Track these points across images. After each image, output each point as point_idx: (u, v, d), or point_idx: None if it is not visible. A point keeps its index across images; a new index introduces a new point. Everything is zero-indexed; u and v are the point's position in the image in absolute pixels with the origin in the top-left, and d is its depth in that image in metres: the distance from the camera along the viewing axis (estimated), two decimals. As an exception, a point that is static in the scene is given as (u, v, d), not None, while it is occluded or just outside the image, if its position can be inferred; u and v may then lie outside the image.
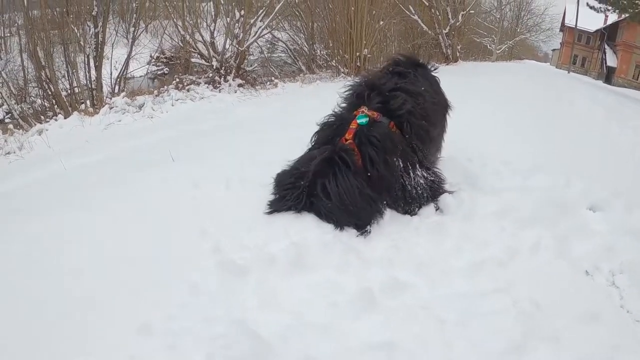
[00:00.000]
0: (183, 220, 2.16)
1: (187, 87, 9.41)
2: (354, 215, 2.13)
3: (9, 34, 12.73)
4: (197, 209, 2.26)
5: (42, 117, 8.77)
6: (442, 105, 2.83)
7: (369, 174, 2.21)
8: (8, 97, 10.25)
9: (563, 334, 1.55)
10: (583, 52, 36.54)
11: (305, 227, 2.05)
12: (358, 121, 2.31)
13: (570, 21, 31.34)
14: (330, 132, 2.39)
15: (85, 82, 10.63)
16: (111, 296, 1.63)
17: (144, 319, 1.50)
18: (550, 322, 1.61)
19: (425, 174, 2.48)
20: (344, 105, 2.55)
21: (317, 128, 2.49)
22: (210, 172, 2.76)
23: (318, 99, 6.07)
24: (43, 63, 9.79)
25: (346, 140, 2.27)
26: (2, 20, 12.84)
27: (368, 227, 2.16)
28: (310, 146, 2.45)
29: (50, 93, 9.95)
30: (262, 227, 2.07)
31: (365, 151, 2.23)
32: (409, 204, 2.40)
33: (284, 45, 14.80)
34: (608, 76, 30.14)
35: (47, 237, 2.06)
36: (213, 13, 11.53)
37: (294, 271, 1.78)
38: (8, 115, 10.31)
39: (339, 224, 2.11)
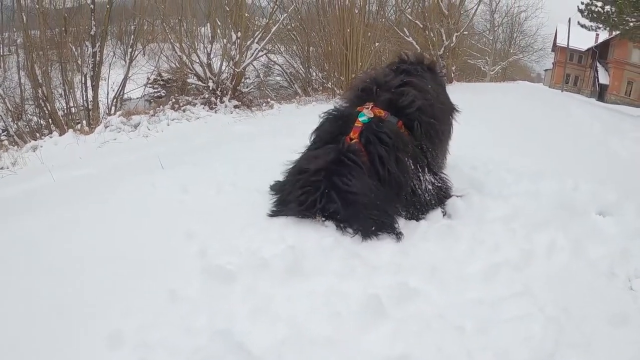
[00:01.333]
0: (167, 223, 2.01)
1: (183, 108, 9.40)
2: (382, 212, 1.96)
3: (8, 52, 12.88)
4: (184, 213, 2.11)
5: (38, 134, 8.74)
6: (449, 107, 2.71)
7: (379, 176, 2.04)
8: (4, 114, 10.25)
9: (594, 339, 1.41)
10: (575, 71, 37.20)
11: (303, 230, 1.89)
12: (360, 119, 2.17)
13: (562, 41, 32.06)
14: (333, 128, 2.20)
15: (82, 102, 10.66)
16: (80, 301, 1.47)
17: (114, 327, 1.33)
18: (579, 326, 1.46)
19: (432, 180, 2.34)
20: (346, 104, 2.39)
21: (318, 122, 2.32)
22: (201, 177, 2.64)
23: (316, 115, 6.01)
24: (40, 81, 9.83)
25: (351, 139, 2.10)
26: (2, 38, 13.02)
27: (397, 226, 2.00)
28: (310, 143, 2.27)
29: (46, 111, 9.94)
30: (255, 231, 1.91)
31: (374, 150, 2.05)
32: (417, 210, 2.24)
33: (280, 68, 14.96)
34: (601, 93, 30.59)
35: (25, 240, 1.95)
36: (210, 35, 11.66)
37: (290, 277, 1.60)
38: (4, 133, 10.26)
39: (366, 227, 1.93)
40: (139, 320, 1.37)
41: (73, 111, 10.63)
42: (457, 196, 2.40)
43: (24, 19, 10.27)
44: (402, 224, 2.11)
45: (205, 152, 4.36)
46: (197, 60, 10.68)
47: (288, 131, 4.47)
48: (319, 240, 1.84)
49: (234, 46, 10.61)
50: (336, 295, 1.54)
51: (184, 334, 1.34)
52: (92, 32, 10.72)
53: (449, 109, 2.71)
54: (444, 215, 2.30)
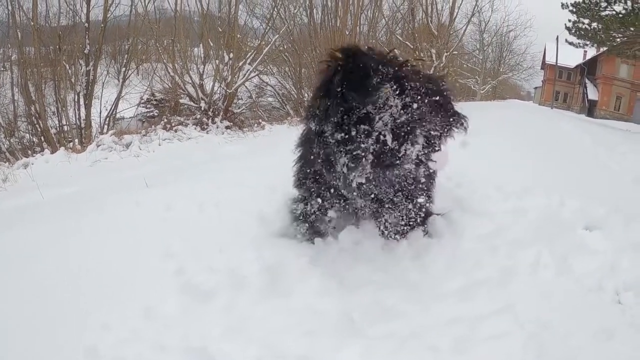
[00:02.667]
0: (148, 240, 2.01)
1: (174, 128, 9.41)
2: None
3: (2, 69, 12.91)
4: (166, 230, 2.12)
5: (29, 151, 8.72)
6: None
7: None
8: (-3, 130, 10.23)
9: (579, 353, 1.38)
10: (565, 88, 37.77)
11: (281, 249, 1.88)
12: None
13: (550, 59, 32.57)
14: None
15: (74, 120, 10.66)
16: (59, 315, 1.47)
17: (90, 342, 1.34)
18: (563, 342, 1.43)
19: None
20: None
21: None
22: (186, 195, 2.64)
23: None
24: (33, 98, 9.84)
25: None
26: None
27: None
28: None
29: (39, 129, 9.93)
30: (234, 249, 1.90)
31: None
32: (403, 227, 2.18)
33: (272, 89, 15.09)
34: (590, 109, 30.97)
35: (9, 254, 1.96)
36: (203, 56, 11.78)
37: (266, 296, 1.59)
38: (-4, 150, 10.21)
39: None
40: (115, 335, 1.38)
41: (65, 129, 10.63)
42: (438, 215, 2.37)
43: (19, 36, 10.35)
44: (381, 243, 2.08)
45: (193, 171, 4.35)
46: (190, 81, 10.77)
47: (274, 150, 4.48)
48: (296, 259, 1.83)
49: (226, 67, 10.72)
50: (311, 314, 1.53)
51: (158, 350, 1.34)
52: (86, 51, 10.82)
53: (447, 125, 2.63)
54: (424, 234, 2.26)
